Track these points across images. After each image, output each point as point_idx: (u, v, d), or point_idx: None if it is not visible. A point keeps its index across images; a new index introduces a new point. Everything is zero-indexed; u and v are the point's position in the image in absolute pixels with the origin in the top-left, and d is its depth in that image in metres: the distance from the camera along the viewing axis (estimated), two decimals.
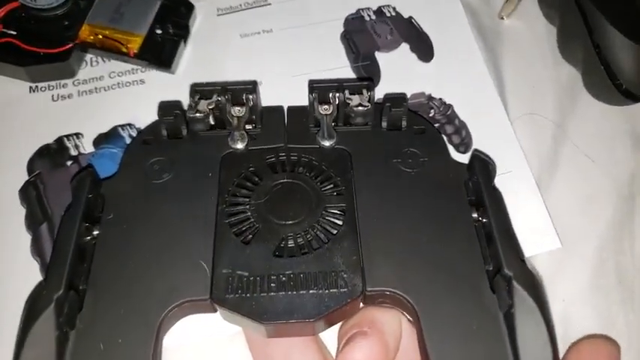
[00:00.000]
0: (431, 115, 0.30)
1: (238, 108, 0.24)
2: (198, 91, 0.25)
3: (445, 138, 0.29)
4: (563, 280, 0.27)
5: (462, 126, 0.30)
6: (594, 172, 0.29)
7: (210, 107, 0.24)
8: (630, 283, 0.27)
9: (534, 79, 0.32)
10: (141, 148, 0.25)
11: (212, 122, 0.25)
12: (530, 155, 0.29)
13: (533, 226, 0.27)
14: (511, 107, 0.30)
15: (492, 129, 0.30)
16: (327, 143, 0.24)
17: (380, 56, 0.32)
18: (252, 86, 0.25)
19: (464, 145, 0.29)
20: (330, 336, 0.23)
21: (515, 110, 0.30)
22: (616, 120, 0.31)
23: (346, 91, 0.24)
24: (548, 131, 0.30)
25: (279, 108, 0.26)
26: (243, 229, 0.22)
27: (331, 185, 0.24)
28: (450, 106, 0.30)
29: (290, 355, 0.22)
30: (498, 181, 0.27)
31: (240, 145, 0.24)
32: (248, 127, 0.25)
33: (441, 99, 0.30)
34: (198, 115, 0.24)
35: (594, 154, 0.30)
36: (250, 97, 0.24)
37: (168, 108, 0.24)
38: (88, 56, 0.31)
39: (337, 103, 0.25)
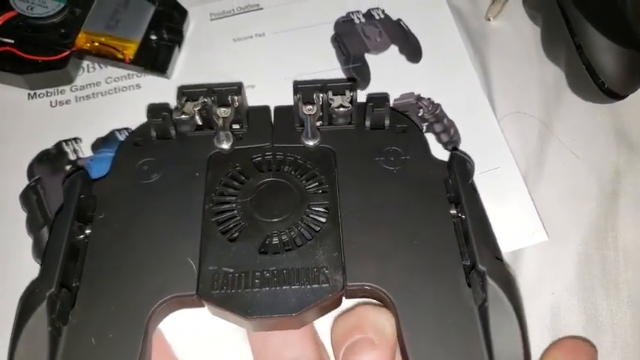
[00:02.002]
0: (420, 114, 0.30)
1: (224, 109, 0.25)
2: (185, 93, 0.25)
3: (434, 137, 0.30)
4: (551, 273, 0.27)
5: (451, 125, 0.30)
6: (579, 168, 0.30)
7: (197, 109, 0.25)
8: (614, 277, 0.27)
9: (520, 79, 0.32)
10: (131, 149, 0.25)
11: (199, 123, 0.26)
12: (517, 152, 0.30)
13: (521, 220, 0.28)
14: (498, 106, 0.31)
15: (480, 127, 0.30)
16: (311, 143, 0.25)
17: (370, 58, 0.32)
18: (237, 88, 0.25)
19: (452, 143, 0.30)
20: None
21: (502, 109, 0.31)
22: (600, 117, 0.31)
23: (329, 92, 0.25)
24: (535, 129, 0.31)
25: (265, 108, 0.27)
26: (230, 227, 0.23)
27: (316, 183, 0.24)
28: (438, 106, 0.31)
29: (288, 346, 0.22)
30: (487, 177, 0.28)
31: (225, 145, 0.25)
32: (235, 126, 0.26)
33: (429, 99, 0.31)
34: (184, 117, 0.25)
35: (579, 151, 0.30)
36: (235, 98, 0.25)
37: (156, 110, 0.25)
38: (85, 63, 0.32)
39: (321, 103, 0.25)
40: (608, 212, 0.29)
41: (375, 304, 0.23)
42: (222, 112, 0.25)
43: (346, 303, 0.24)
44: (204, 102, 0.25)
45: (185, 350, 0.24)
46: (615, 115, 0.31)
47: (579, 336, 0.26)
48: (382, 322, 0.21)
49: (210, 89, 0.25)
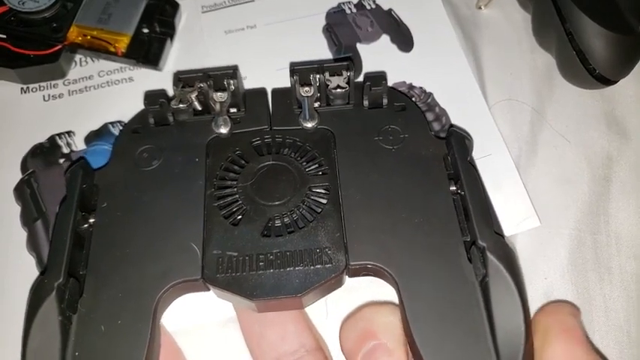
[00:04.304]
0: None
1: (220, 94, 0.25)
2: (182, 79, 0.25)
3: None
4: (544, 259, 0.28)
5: (443, 113, 0.30)
6: (571, 154, 0.30)
7: (194, 95, 0.25)
8: (607, 261, 0.28)
9: (512, 66, 0.32)
10: (130, 137, 0.25)
11: (199, 108, 0.26)
12: (509, 139, 0.30)
13: (514, 206, 0.28)
14: (490, 93, 0.31)
15: (472, 115, 0.30)
16: (309, 125, 0.25)
17: (361, 48, 0.32)
18: (232, 71, 0.25)
19: (444, 131, 0.30)
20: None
21: (494, 96, 0.31)
22: (591, 103, 0.31)
23: (326, 73, 0.25)
24: (526, 116, 0.31)
25: (262, 90, 0.27)
26: (232, 211, 0.23)
27: (315, 165, 0.24)
28: (430, 94, 0.31)
29: (286, 339, 0.22)
30: (479, 164, 0.28)
31: (223, 130, 0.25)
32: (233, 110, 0.26)
33: (421, 87, 0.31)
34: (181, 106, 0.25)
35: (571, 137, 0.30)
36: (231, 82, 0.25)
37: (153, 97, 0.25)
38: (78, 56, 0.32)
39: (318, 84, 0.25)
40: (600, 197, 0.29)
41: (379, 303, 0.23)
42: (219, 96, 0.25)
43: (351, 303, 0.24)
44: (201, 87, 0.25)
45: (183, 342, 0.25)
46: (606, 101, 0.31)
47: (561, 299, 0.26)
48: (392, 322, 0.21)
49: (205, 74, 0.25)
